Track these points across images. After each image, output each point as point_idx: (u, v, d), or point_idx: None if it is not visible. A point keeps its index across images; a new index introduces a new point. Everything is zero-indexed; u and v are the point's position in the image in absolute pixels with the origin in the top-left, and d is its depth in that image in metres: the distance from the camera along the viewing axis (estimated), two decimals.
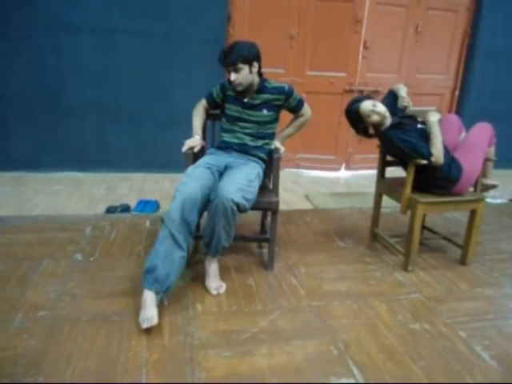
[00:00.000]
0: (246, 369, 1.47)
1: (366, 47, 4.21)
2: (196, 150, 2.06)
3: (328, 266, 2.28)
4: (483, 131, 2.29)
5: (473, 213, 2.27)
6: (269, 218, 2.19)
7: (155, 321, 1.62)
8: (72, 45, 3.65)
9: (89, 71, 3.75)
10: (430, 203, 2.16)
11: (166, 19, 3.73)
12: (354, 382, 1.44)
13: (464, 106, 4.64)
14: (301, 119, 2.26)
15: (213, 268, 1.97)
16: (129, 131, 3.96)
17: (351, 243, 2.58)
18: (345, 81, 4.27)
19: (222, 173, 2.04)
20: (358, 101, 2.23)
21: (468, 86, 4.59)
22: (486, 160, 2.32)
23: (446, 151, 2.12)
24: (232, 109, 2.17)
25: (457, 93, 4.69)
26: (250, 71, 2.03)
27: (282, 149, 2.19)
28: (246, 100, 2.13)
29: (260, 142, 2.16)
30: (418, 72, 4.50)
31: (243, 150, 2.14)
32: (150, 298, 1.67)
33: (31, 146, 3.81)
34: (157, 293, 1.69)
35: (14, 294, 1.84)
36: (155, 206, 3.07)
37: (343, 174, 4.52)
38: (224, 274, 2.06)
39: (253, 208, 1.96)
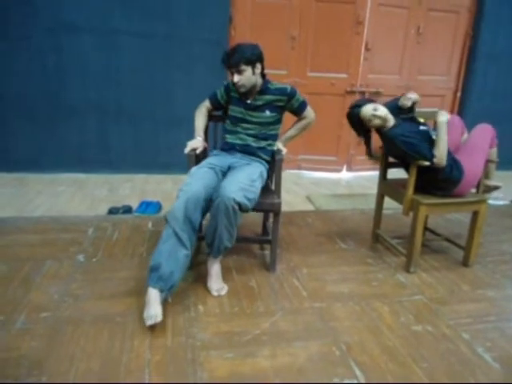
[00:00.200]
0: (248, 370, 1.47)
1: (367, 48, 4.21)
2: (198, 151, 2.07)
3: (330, 267, 2.28)
4: (484, 132, 2.29)
5: (475, 214, 2.27)
6: (270, 220, 2.19)
7: (159, 318, 1.63)
8: (72, 45, 3.66)
9: (90, 71, 3.75)
10: (432, 204, 2.16)
11: (168, 20, 3.74)
12: (356, 382, 1.44)
13: (466, 108, 4.64)
14: (303, 121, 2.26)
15: (215, 269, 1.98)
16: (130, 132, 3.96)
17: (353, 245, 2.58)
18: (346, 82, 4.28)
19: (225, 173, 2.05)
20: (358, 105, 2.22)
21: (469, 87, 4.60)
22: (488, 161, 2.32)
23: (448, 152, 2.11)
24: (235, 110, 2.17)
25: (458, 94, 4.69)
26: (253, 73, 2.04)
27: (284, 150, 2.19)
28: (248, 101, 2.14)
29: (263, 143, 2.17)
30: (419, 73, 4.50)
31: (246, 151, 2.14)
32: (154, 295, 1.68)
33: (32, 147, 3.81)
34: (161, 290, 1.70)
35: (16, 295, 1.84)
36: (157, 207, 3.07)
37: (345, 175, 4.52)
38: (226, 275, 2.06)
39: (255, 209, 1.97)
